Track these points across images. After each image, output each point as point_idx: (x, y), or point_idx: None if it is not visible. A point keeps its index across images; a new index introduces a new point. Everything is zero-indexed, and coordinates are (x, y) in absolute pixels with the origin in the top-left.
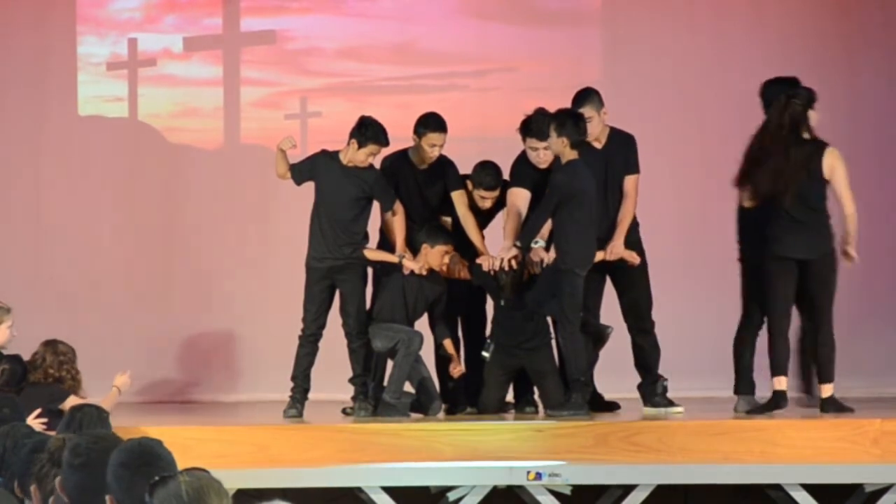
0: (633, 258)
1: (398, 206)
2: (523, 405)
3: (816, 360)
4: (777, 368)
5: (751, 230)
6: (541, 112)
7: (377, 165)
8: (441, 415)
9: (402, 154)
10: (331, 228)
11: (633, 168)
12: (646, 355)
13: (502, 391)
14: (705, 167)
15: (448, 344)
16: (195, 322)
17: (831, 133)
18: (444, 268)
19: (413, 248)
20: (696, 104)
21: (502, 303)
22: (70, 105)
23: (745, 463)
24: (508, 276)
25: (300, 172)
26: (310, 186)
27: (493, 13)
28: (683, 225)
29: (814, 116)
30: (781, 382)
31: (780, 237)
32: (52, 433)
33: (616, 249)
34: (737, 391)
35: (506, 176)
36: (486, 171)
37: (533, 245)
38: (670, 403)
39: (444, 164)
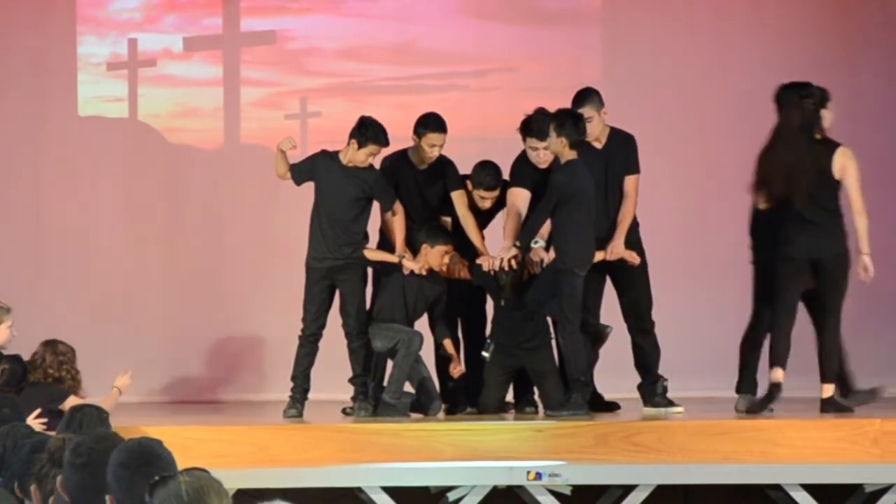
0: (634, 258)
1: (398, 207)
2: (523, 405)
3: (819, 359)
4: (775, 360)
5: (764, 232)
6: (541, 112)
7: (377, 165)
8: (441, 415)
9: (402, 154)
10: (331, 228)
11: (634, 168)
12: (646, 355)
13: (502, 391)
14: (705, 167)
15: (448, 344)
16: (195, 322)
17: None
18: (444, 268)
19: (413, 248)
20: (696, 104)
21: (502, 303)
22: (70, 105)
23: (745, 463)
24: (508, 276)
25: (300, 173)
26: (310, 186)
27: (493, 13)
28: (683, 225)
29: (827, 116)
30: (778, 374)
31: (792, 238)
32: (52, 433)
33: (616, 249)
34: (738, 390)
35: (506, 176)
36: (486, 171)
37: (533, 245)
38: (670, 403)
39: (444, 164)
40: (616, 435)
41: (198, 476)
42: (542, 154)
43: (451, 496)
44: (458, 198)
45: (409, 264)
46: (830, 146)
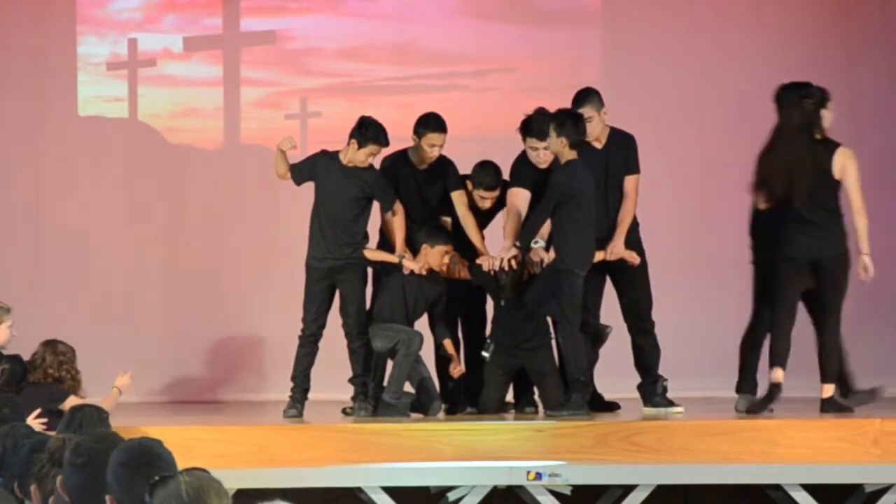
0: (634, 258)
1: (398, 207)
2: (523, 405)
3: (819, 359)
4: (775, 360)
5: (764, 232)
6: (541, 112)
7: (377, 165)
8: (441, 415)
9: (402, 154)
10: (331, 228)
11: (634, 168)
12: (646, 355)
13: (502, 391)
14: (705, 167)
15: (448, 344)
16: (195, 322)
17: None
18: (444, 268)
19: (413, 248)
20: (696, 104)
21: (502, 303)
22: (70, 105)
23: (745, 463)
24: (508, 276)
25: (300, 172)
26: (310, 187)
27: (493, 13)
28: (683, 225)
29: (828, 116)
30: (778, 374)
31: (792, 238)
32: (52, 433)
33: (616, 249)
34: (738, 390)
35: (506, 176)
36: (486, 171)
37: (533, 245)
38: (670, 403)
39: (443, 164)
40: (616, 435)
41: (198, 476)
42: (542, 154)
43: (451, 496)
44: (458, 198)
45: (409, 264)
46: (830, 146)
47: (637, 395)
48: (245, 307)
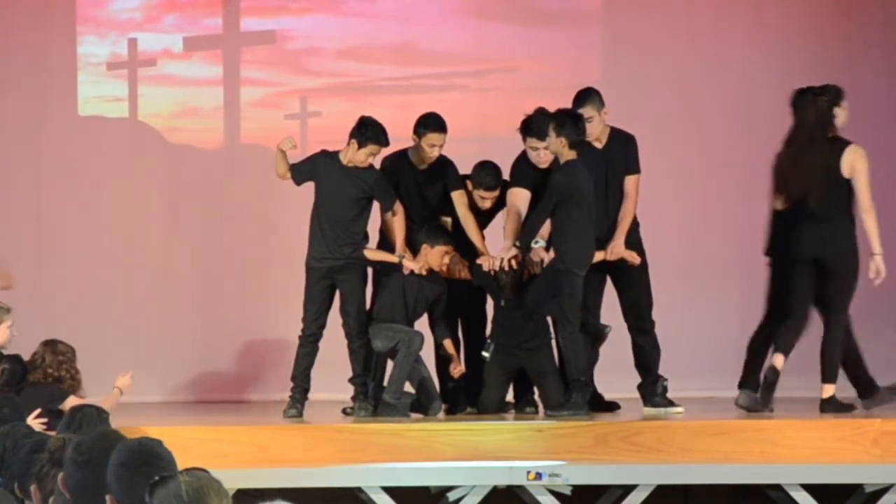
0: (634, 258)
1: (398, 207)
2: (523, 405)
3: (821, 359)
4: (779, 347)
5: (780, 232)
6: (541, 112)
7: (377, 165)
8: (441, 415)
9: (402, 154)
10: (331, 228)
11: (634, 168)
12: (646, 355)
13: (502, 391)
14: (705, 167)
15: (448, 344)
16: (195, 322)
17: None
18: (444, 268)
19: (413, 248)
20: (696, 104)
21: (502, 303)
22: (70, 105)
23: (745, 463)
24: (508, 276)
25: (300, 172)
26: (310, 186)
27: (493, 13)
28: (683, 225)
29: (842, 114)
30: (779, 360)
31: (803, 238)
32: (52, 433)
33: (616, 249)
34: (741, 385)
35: (506, 176)
36: (486, 171)
37: (533, 245)
38: (670, 403)
39: (443, 164)
40: (616, 435)
41: (198, 476)
42: (542, 154)
43: (451, 496)
44: (458, 198)
45: (409, 264)
46: (840, 144)
47: (637, 395)
48: (245, 307)
